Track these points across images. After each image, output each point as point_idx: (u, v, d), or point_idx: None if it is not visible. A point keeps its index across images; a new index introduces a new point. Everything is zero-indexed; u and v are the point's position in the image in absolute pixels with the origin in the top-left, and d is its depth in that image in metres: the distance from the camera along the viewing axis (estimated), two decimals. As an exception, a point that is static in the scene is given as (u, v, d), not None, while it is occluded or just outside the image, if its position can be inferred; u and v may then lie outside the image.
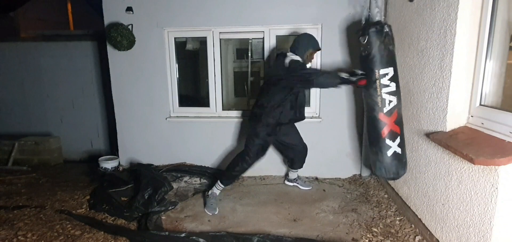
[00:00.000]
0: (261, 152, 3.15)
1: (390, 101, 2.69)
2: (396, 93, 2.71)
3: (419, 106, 2.67)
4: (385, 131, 2.72)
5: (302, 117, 3.23)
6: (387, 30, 2.69)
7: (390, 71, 2.68)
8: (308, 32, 3.37)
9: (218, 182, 3.21)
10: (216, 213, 3.10)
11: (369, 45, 2.68)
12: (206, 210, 3.14)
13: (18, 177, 4.22)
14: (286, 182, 3.74)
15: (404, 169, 2.77)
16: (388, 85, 2.69)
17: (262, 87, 3.25)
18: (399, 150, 2.71)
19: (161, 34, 3.87)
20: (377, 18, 2.99)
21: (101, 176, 3.86)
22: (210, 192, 3.21)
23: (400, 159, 2.73)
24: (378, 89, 2.70)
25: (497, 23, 2.02)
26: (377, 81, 2.70)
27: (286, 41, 4.08)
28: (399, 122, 2.73)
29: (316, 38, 3.16)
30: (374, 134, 2.79)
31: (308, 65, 3.14)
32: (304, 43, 3.07)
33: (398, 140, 2.71)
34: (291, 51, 3.06)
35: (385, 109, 2.70)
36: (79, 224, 2.90)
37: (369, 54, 2.69)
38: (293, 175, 3.68)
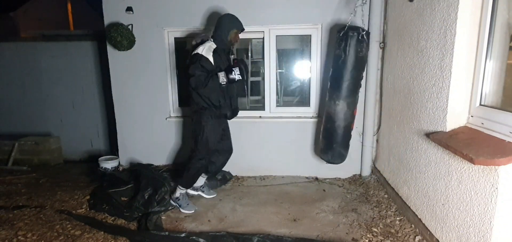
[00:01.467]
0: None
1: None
2: (328, 92, 3.18)
3: (419, 106, 2.67)
4: None
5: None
6: (340, 35, 2.99)
7: (330, 71, 3.23)
8: (227, 13, 3.14)
9: (180, 189, 3.16)
10: (192, 210, 3.13)
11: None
12: (184, 210, 3.13)
13: (18, 177, 4.22)
14: (190, 191, 3.35)
15: (321, 153, 3.34)
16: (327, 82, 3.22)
17: None
18: (320, 136, 3.27)
19: (161, 34, 3.87)
20: (348, 26, 3.09)
21: (101, 176, 3.86)
22: (175, 196, 3.17)
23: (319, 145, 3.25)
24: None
25: (497, 23, 2.02)
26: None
27: (286, 41, 4.09)
28: (325, 115, 3.23)
29: (239, 19, 2.99)
30: None
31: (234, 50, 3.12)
32: (226, 24, 2.90)
33: (321, 128, 3.29)
34: (212, 37, 2.92)
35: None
36: (79, 224, 2.90)
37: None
38: (202, 181, 3.41)
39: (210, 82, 2.76)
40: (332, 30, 3.63)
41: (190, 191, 3.40)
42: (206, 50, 2.82)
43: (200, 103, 2.92)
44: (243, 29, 3.05)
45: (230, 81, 2.85)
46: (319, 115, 3.85)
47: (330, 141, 3.26)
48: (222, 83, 2.82)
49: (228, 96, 3.02)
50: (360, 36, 2.94)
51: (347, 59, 2.99)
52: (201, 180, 3.42)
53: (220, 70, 2.86)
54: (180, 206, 3.14)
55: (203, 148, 3.00)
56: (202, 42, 2.90)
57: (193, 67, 2.76)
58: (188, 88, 2.89)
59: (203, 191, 3.44)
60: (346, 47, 2.96)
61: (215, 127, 3.03)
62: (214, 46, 2.87)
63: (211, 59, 2.82)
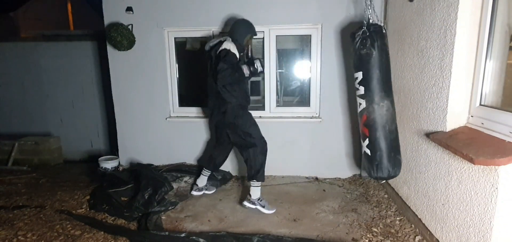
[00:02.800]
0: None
1: (360, 104, 2.82)
2: (365, 97, 2.77)
3: (419, 106, 2.67)
4: (360, 131, 2.91)
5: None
6: (360, 35, 2.75)
7: (359, 75, 2.80)
8: (242, 18, 3.31)
9: (255, 183, 3.10)
10: (272, 210, 3.07)
11: (352, 48, 2.87)
12: (264, 210, 3.05)
13: (18, 177, 4.22)
14: (194, 192, 3.45)
15: (377, 172, 2.73)
16: (357, 89, 2.83)
17: None
18: (368, 151, 2.78)
19: (161, 34, 3.87)
20: (370, 21, 2.96)
21: (101, 176, 3.86)
22: (252, 198, 3.08)
23: (370, 161, 2.77)
24: (355, 92, 2.89)
25: (497, 23, 2.02)
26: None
27: (286, 41, 4.09)
28: (367, 125, 2.76)
29: (252, 24, 3.14)
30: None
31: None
32: (243, 29, 3.07)
33: (367, 142, 2.78)
34: (229, 37, 3.04)
35: (358, 111, 2.88)
36: (79, 224, 2.90)
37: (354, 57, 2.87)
38: (204, 180, 3.50)
39: (237, 75, 2.91)
40: (332, 30, 3.63)
41: (195, 193, 3.44)
42: (231, 46, 2.94)
43: (233, 101, 2.99)
44: (256, 35, 3.20)
45: (253, 72, 3.04)
46: (320, 115, 3.86)
47: (388, 151, 2.73)
48: (246, 75, 2.99)
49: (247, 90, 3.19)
50: (383, 30, 2.76)
51: (377, 55, 2.73)
52: (204, 179, 3.48)
53: (243, 64, 3.05)
54: (264, 206, 3.05)
55: (257, 136, 3.07)
56: (220, 42, 2.98)
57: (224, 61, 2.84)
58: (215, 87, 2.96)
59: (207, 189, 3.51)
60: (374, 43, 2.69)
61: (252, 118, 3.15)
62: (234, 45, 2.98)
63: (237, 54, 2.96)
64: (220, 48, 2.89)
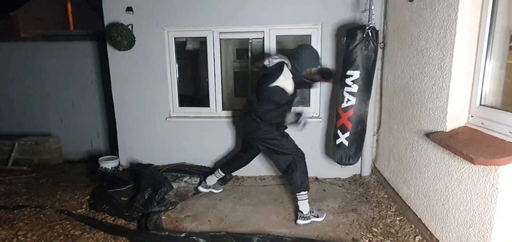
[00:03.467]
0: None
1: (348, 100, 3.06)
2: (356, 95, 3.01)
3: (419, 106, 2.67)
4: (339, 123, 3.18)
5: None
6: (364, 35, 2.88)
7: (355, 73, 2.98)
8: (310, 46, 3.27)
9: (301, 194, 2.95)
10: (324, 215, 2.97)
11: (346, 47, 3.02)
12: (318, 219, 2.93)
13: (18, 177, 4.22)
14: (201, 188, 3.51)
15: (348, 160, 3.18)
16: (350, 86, 3.03)
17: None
18: (346, 143, 3.14)
19: (161, 34, 3.87)
20: (368, 22, 3.01)
21: (101, 176, 3.85)
22: (304, 214, 2.92)
23: (345, 151, 3.16)
24: (342, 87, 3.09)
25: (497, 23, 2.02)
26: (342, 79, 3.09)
27: (286, 41, 4.08)
28: (352, 120, 3.08)
29: (319, 55, 3.03)
30: (334, 123, 3.33)
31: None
32: (309, 60, 2.89)
33: (347, 134, 3.12)
34: (292, 61, 2.87)
35: (343, 105, 3.11)
36: (79, 224, 2.90)
37: (345, 55, 3.06)
38: (214, 180, 3.51)
39: (279, 113, 2.89)
40: (332, 30, 3.63)
41: (202, 188, 3.50)
42: (287, 83, 2.80)
43: (271, 120, 2.92)
44: (320, 67, 3.08)
45: (292, 123, 2.98)
46: (320, 115, 3.86)
47: (360, 144, 3.23)
48: (286, 123, 3.00)
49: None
50: (377, 32, 2.97)
51: (374, 57, 2.99)
52: (214, 179, 3.50)
53: (291, 105, 2.98)
54: (317, 216, 2.93)
55: (292, 148, 3.02)
56: (280, 68, 2.83)
57: (272, 97, 2.80)
58: (258, 107, 2.88)
59: (214, 188, 3.55)
60: (375, 45, 2.93)
61: (283, 132, 3.09)
62: (291, 79, 2.84)
63: (289, 92, 2.83)
64: (274, 84, 2.76)
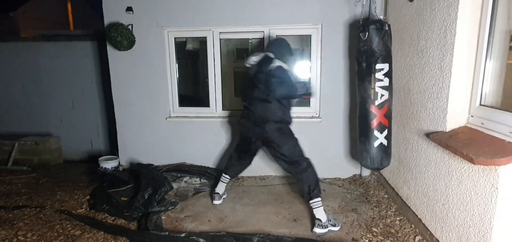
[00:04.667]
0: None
1: (382, 95, 2.88)
2: (389, 88, 2.89)
3: (419, 106, 2.67)
4: (375, 122, 2.92)
5: None
6: (387, 28, 2.83)
7: (385, 67, 2.86)
8: (282, 38, 3.25)
9: (315, 201, 2.85)
10: (339, 225, 2.83)
11: (369, 41, 2.84)
12: (335, 229, 2.80)
13: (18, 177, 4.22)
14: (216, 202, 3.29)
15: (388, 160, 2.98)
16: (382, 80, 2.87)
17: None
18: (385, 142, 2.93)
19: (161, 34, 3.87)
20: (377, 17, 3.01)
21: (101, 176, 3.85)
22: (322, 222, 2.78)
23: (385, 151, 2.96)
24: (373, 83, 2.88)
25: (497, 23, 2.02)
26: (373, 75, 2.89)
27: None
28: (388, 116, 2.92)
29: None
30: (364, 125, 2.99)
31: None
32: (287, 50, 3.03)
33: (385, 132, 2.92)
34: (274, 55, 2.94)
35: (377, 102, 2.89)
36: (79, 224, 2.90)
37: (369, 50, 2.86)
38: (223, 187, 3.38)
39: (297, 87, 2.87)
40: (332, 29, 3.63)
41: (217, 202, 3.30)
42: (282, 63, 2.89)
43: (284, 118, 2.92)
44: (293, 55, 3.16)
45: (307, 89, 3.02)
46: (320, 115, 3.86)
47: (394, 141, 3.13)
48: (307, 91, 3.01)
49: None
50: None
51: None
52: (223, 186, 3.36)
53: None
54: (334, 225, 2.80)
55: (302, 152, 2.97)
56: (268, 59, 2.90)
57: (281, 76, 2.81)
58: (259, 98, 2.89)
59: (225, 193, 3.43)
60: (390, 38, 2.93)
61: (293, 133, 3.04)
62: (281, 63, 2.90)
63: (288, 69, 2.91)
64: (275, 65, 2.83)
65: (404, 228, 2.76)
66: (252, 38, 3.99)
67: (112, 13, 3.84)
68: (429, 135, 2.41)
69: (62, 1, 11.34)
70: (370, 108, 2.91)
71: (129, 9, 3.78)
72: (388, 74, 2.88)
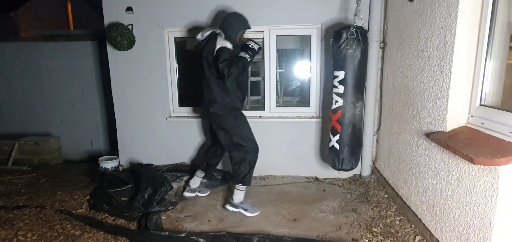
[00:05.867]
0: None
1: (336, 101, 3.07)
2: (343, 95, 3.01)
3: (419, 106, 2.67)
4: (330, 126, 3.19)
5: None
6: (346, 36, 2.90)
7: (340, 74, 3.00)
8: (235, 12, 3.17)
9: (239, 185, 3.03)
10: (256, 213, 3.01)
11: (332, 48, 3.08)
12: (248, 214, 2.99)
13: (18, 177, 4.22)
14: (186, 193, 3.38)
15: (341, 165, 3.11)
16: (336, 87, 3.05)
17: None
18: (337, 146, 3.10)
19: (161, 34, 3.87)
20: (355, 22, 3.03)
21: (101, 176, 3.85)
22: (234, 202, 3.03)
23: (337, 154, 3.11)
24: (332, 89, 3.12)
25: (497, 23, 2.02)
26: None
27: (286, 41, 4.08)
28: (341, 121, 3.06)
29: (246, 17, 3.03)
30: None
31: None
32: (236, 24, 2.95)
33: (337, 137, 3.09)
34: (222, 30, 2.93)
35: (332, 108, 3.13)
36: (79, 224, 2.90)
37: (332, 56, 3.11)
38: (197, 181, 3.45)
39: (240, 64, 2.80)
40: (332, 30, 3.62)
41: (187, 194, 3.39)
42: (226, 43, 2.85)
43: (227, 103, 2.94)
44: (250, 28, 3.09)
45: (253, 52, 2.92)
46: (320, 115, 3.86)
47: (353, 148, 3.15)
48: (248, 58, 2.87)
49: (244, 90, 3.11)
50: (366, 32, 2.98)
51: (361, 58, 2.98)
52: (198, 181, 3.44)
53: (238, 54, 2.91)
54: (246, 210, 3.00)
55: (249, 139, 2.99)
56: (214, 36, 2.89)
57: (222, 57, 2.76)
58: (209, 85, 2.93)
59: (200, 191, 3.46)
60: (359, 45, 2.92)
61: (245, 119, 3.08)
62: (227, 42, 2.87)
63: (231, 48, 2.87)
64: (216, 48, 2.81)
65: (404, 228, 2.76)
66: (252, 38, 3.99)
67: (112, 13, 3.84)
68: (429, 135, 2.41)
69: (62, 1, 11.34)
70: (328, 112, 3.21)
71: (129, 9, 3.78)
72: (343, 82, 2.99)
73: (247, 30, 3.07)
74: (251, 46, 2.94)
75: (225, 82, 2.85)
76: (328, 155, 3.25)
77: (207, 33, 2.94)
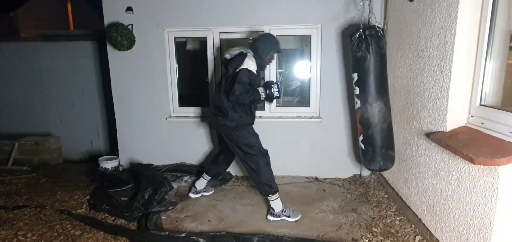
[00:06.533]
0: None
1: (356, 102, 3.03)
2: (359, 96, 2.97)
3: (419, 106, 2.67)
4: (358, 128, 3.14)
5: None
6: (356, 37, 2.86)
7: (355, 76, 2.97)
8: (269, 33, 3.22)
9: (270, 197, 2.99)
10: (298, 216, 2.97)
11: (350, 48, 2.99)
12: (291, 219, 2.94)
13: (18, 177, 4.22)
14: (192, 195, 3.43)
15: (369, 164, 3.05)
16: (354, 88, 3.02)
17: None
18: (362, 146, 3.06)
19: (161, 34, 3.87)
20: (364, 24, 2.99)
21: (101, 176, 3.86)
22: (275, 212, 2.97)
23: (364, 154, 3.07)
24: (354, 91, 3.07)
25: (497, 23, 2.02)
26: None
27: (286, 41, 4.08)
28: (361, 122, 3.02)
29: (278, 41, 3.06)
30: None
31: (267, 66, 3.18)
32: (267, 45, 2.96)
33: (361, 137, 3.05)
34: (252, 51, 2.94)
35: (356, 108, 3.07)
36: (79, 224, 2.90)
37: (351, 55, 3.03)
38: (203, 184, 3.47)
39: (252, 97, 2.83)
40: (332, 30, 3.63)
41: (193, 195, 3.41)
42: (252, 65, 2.83)
43: (236, 118, 2.92)
44: (280, 52, 3.11)
45: (268, 96, 2.93)
46: (320, 115, 3.86)
47: (375, 147, 3.02)
48: (262, 98, 2.90)
49: (254, 107, 3.10)
50: (380, 33, 2.85)
51: (372, 59, 2.87)
52: (204, 183, 3.44)
53: (259, 85, 2.96)
54: (289, 216, 2.95)
55: (258, 148, 2.98)
56: (242, 55, 2.87)
57: (241, 82, 2.75)
58: (224, 101, 2.90)
59: (205, 191, 3.49)
60: (369, 47, 2.83)
61: (253, 130, 3.07)
62: (255, 62, 2.87)
63: (255, 73, 2.86)
64: (240, 67, 2.79)
65: (404, 228, 2.76)
66: (252, 38, 3.99)
67: (112, 13, 3.84)
68: (429, 135, 2.41)
69: (62, 1, 11.33)
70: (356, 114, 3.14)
71: (129, 9, 3.78)
72: (357, 84, 2.97)
73: (276, 53, 3.09)
74: (272, 90, 2.93)
75: (229, 97, 2.83)
76: (361, 155, 3.20)
77: (235, 52, 2.95)
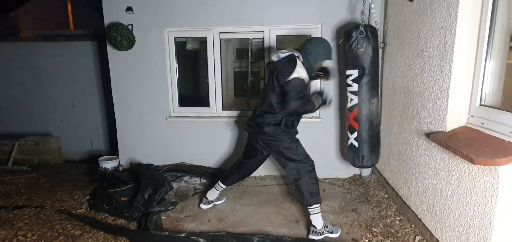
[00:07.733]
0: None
1: (351, 99, 3.09)
2: (357, 93, 3.04)
3: (419, 106, 2.67)
4: (346, 124, 3.23)
5: None
6: (356, 34, 2.93)
7: (353, 72, 3.02)
8: (323, 38, 2.98)
9: (312, 207, 2.72)
10: (339, 231, 2.75)
11: (343, 47, 3.10)
12: (334, 235, 2.71)
13: (18, 177, 4.22)
14: (203, 206, 3.20)
15: (361, 162, 3.12)
16: (351, 85, 3.07)
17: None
18: (355, 143, 3.11)
19: (161, 34, 3.87)
20: (368, 21, 3.04)
21: (101, 176, 3.86)
22: (317, 229, 2.70)
23: (356, 152, 3.12)
24: (346, 88, 3.15)
25: (497, 23, 2.02)
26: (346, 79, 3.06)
27: (286, 41, 4.08)
28: (357, 119, 3.08)
29: (331, 48, 2.80)
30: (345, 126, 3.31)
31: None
32: (321, 53, 2.71)
33: (355, 135, 3.11)
34: (303, 54, 2.69)
35: (348, 106, 3.15)
36: (79, 224, 2.90)
37: (343, 56, 3.14)
38: (216, 194, 3.24)
39: (306, 108, 2.67)
40: (332, 29, 3.63)
41: (204, 206, 3.20)
42: (303, 72, 2.61)
43: (282, 128, 2.71)
44: (331, 60, 2.88)
45: (323, 104, 2.78)
46: (320, 115, 3.86)
47: (373, 144, 3.11)
48: (316, 106, 2.72)
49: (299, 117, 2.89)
50: (377, 31, 2.98)
51: (373, 55, 2.96)
52: (216, 193, 3.23)
53: (310, 96, 2.77)
54: (332, 232, 2.71)
55: (303, 155, 2.78)
56: (291, 60, 2.61)
57: (296, 90, 2.56)
58: (271, 110, 2.71)
59: (217, 200, 3.31)
60: (370, 43, 2.92)
61: (295, 137, 2.87)
62: (304, 69, 2.64)
63: (306, 81, 2.66)
64: (293, 76, 2.53)
65: (404, 228, 2.76)
66: (252, 38, 3.99)
67: (112, 13, 3.84)
68: (429, 135, 2.41)
69: (62, 1, 11.33)
70: (345, 111, 3.25)
71: (129, 9, 3.78)
72: (356, 80, 3.02)
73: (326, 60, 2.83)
74: (324, 98, 2.76)
75: (287, 101, 2.61)
76: (348, 153, 3.23)
77: (284, 55, 2.66)
